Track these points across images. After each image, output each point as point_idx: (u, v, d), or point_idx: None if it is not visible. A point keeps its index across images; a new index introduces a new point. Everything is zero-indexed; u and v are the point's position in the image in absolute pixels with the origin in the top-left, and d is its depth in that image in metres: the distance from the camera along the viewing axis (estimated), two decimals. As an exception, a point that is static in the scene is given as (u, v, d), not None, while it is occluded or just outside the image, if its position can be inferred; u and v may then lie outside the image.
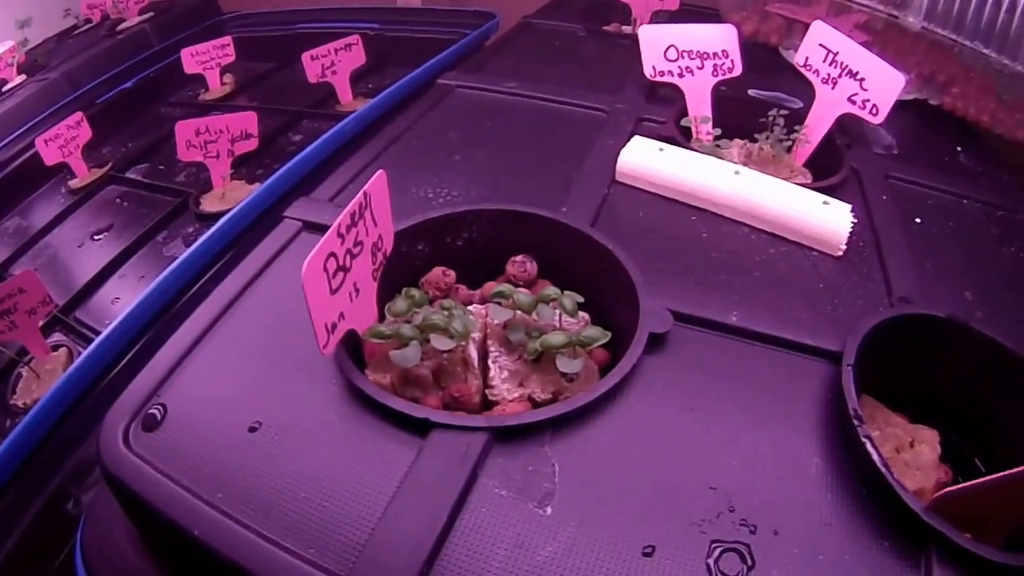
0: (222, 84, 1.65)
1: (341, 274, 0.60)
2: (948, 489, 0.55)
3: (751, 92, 1.13)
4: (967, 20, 1.06)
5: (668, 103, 1.07)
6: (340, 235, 0.59)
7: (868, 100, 0.93)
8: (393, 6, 1.82)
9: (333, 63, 1.41)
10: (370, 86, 1.57)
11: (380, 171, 0.65)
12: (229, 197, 1.18)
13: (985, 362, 0.69)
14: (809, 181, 0.98)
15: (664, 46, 1.01)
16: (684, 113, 1.02)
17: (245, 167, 1.28)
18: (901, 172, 1.01)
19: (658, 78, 1.02)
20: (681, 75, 1.02)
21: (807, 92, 1.00)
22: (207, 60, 1.60)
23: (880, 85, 0.92)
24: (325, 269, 0.57)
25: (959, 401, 0.71)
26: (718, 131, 1.00)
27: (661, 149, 0.88)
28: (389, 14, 1.74)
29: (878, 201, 0.93)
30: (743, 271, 0.78)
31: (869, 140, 1.06)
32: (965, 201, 1.00)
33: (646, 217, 0.85)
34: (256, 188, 1.11)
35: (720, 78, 1.02)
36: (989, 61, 1.07)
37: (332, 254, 0.58)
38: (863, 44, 1.08)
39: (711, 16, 1.39)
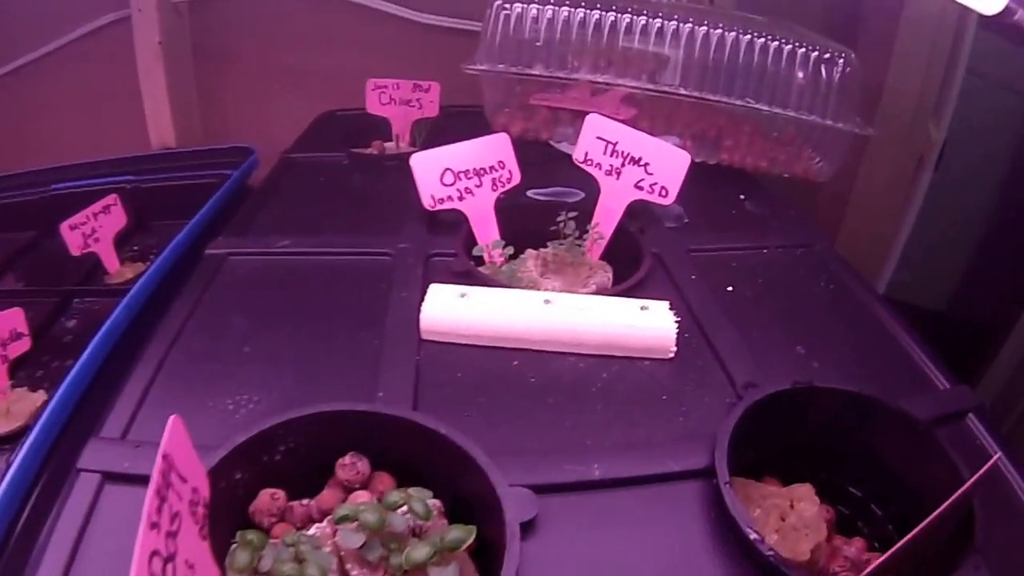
0: None
1: (170, 566, 0.47)
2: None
3: (530, 193, 1.08)
4: (720, 78, 1.07)
5: (453, 228, 0.99)
6: (153, 525, 0.47)
7: (656, 183, 0.91)
8: (147, 153, 1.68)
9: (94, 230, 1.26)
10: (136, 248, 1.43)
11: (173, 418, 0.53)
12: (15, 412, 0.99)
13: (837, 412, 0.69)
14: (610, 275, 0.95)
15: (439, 172, 0.95)
16: (471, 237, 0.96)
17: (23, 369, 1.08)
18: (699, 242, 0.99)
19: (438, 206, 0.95)
20: (461, 197, 0.95)
21: (585, 179, 0.97)
22: (-42, 241, 1.40)
23: (665, 166, 0.90)
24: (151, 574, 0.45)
25: (825, 451, 0.70)
26: (510, 250, 0.94)
27: (462, 295, 0.81)
28: (144, 163, 1.60)
29: (688, 282, 0.91)
30: (585, 409, 0.72)
31: (658, 216, 1.04)
32: (765, 251, 1.01)
33: (468, 376, 0.76)
34: (40, 396, 0.97)
35: (500, 191, 0.97)
36: (750, 109, 1.09)
37: (154, 553, 0.46)
38: (632, 118, 1.09)
39: (474, 115, 1.36)
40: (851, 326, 0.88)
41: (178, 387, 0.70)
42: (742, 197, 1.13)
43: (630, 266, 0.94)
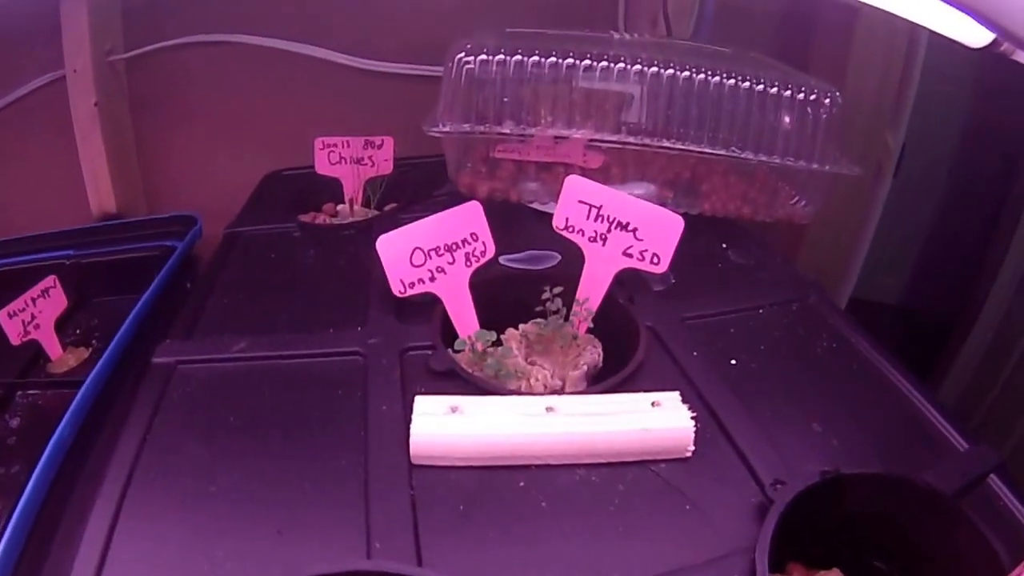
0: None
1: None
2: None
3: (503, 260, 0.99)
4: (705, 124, 0.99)
5: (425, 311, 0.89)
6: None
7: (646, 250, 0.82)
8: (87, 226, 1.56)
9: (33, 316, 1.15)
10: (78, 331, 1.32)
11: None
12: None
13: (866, 496, 0.64)
14: (600, 351, 0.86)
15: (408, 253, 0.84)
16: (446, 321, 0.86)
17: (-36, 476, 0.99)
18: (692, 308, 0.92)
19: (409, 292, 0.85)
20: (433, 278, 0.85)
21: (560, 239, 0.88)
22: None
23: (656, 231, 0.82)
24: None
25: (848, 531, 0.65)
26: (491, 335, 0.85)
27: (453, 408, 0.71)
28: (84, 236, 1.49)
29: (690, 360, 0.82)
30: (605, 533, 0.63)
31: (644, 278, 0.95)
32: (761, 311, 0.94)
33: (472, 507, 0.65)
34: None
35: (475, 266, 0.87)
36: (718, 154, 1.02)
37: None
38: (602, 166, 1.01)
39: (429, 167, 1.27)
40: (861, 390, 0.82)
41: (142, 542, 0.62)
42: (724, 246, 1.06)
43: (621, 339, 0.86)
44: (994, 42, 0.60)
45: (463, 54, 1.02)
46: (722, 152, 0.99)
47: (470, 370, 0.82)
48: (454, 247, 0.86)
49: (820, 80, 1.05)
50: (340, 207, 1.29)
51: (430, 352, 0.84)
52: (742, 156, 0.99)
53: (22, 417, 1.11)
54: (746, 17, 1.52)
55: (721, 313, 0.92)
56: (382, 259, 0.85)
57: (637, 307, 0.90)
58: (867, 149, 1.48)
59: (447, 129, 1.02)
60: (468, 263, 0.87)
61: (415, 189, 1.28)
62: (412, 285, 0.85)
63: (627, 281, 0.90)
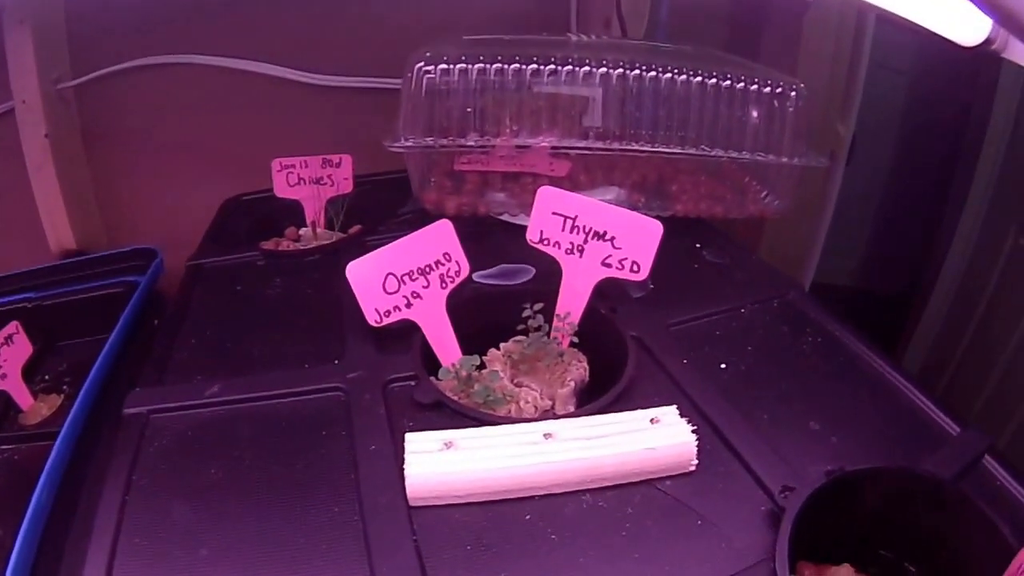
0: None
1: None
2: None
3: (476, 278, 0.95)
4: (672, 123, 0.97)
5: (403, 339, 0.85)
6: None
7: (625, 259, 0.80)
8: (45, 265, 1.48)
9: None
10: (47, 377, 1.25)
11: None
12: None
13: (872, 491, 0.64)
14: (585, 365, 0.83)
15: (380, 279, 0.80)
16: (425, 348, 0.82)
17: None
18: (674, 314, 0.89)
19: (385, 320, 0.80)
20: (409, 304, 0.81)
21: (532, 252, 0.86)
22: None
23: (635, 239, 0.79)
24: None
25: (855, 525, 0.65)
26: (475, 359, 0.81)
27: (446, 444, 0.67)
28: (43, 276, 1.42)
29: (680, 368, 0.80)
30: (622, 559, 0.60)
31: (621, 285, 0.92)
32: (743, 311, 0.93)
33: (479, 548, 0.60)
34: None
35: (451, 287, 0.83)
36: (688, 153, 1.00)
37: None
38: (569, 173, 0.98)
39: (390, 183, 1.23)
40: (850, 384, 0.81)
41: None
42: (698, 246, 1.03)
43: (605, 351, 0.84)
44: (986, 40, 0.59)
45: (422, 63, 0.98)
46: (692, 151, 0.97)
47: (456, 397, 0.78)
48: (428, 269, 0.82)
49: (782, 72, 1.04)
50: (302, 231, 1.24)
51: (413, 383, 0.80)
52: (712, 154, 0.97)
53: None
54: (695, 14, 1.51)
55: (704, 316, 0.90)
56: (354, 288, 0.80)
57: (620, 316, 0.87)
58: (820, 139, 1.47)
59: (409, 144, 0.98)
60: (443, 285, 0.83)
61: (378, 208, 1.24)
62: (388, 313, 0.81)
63: (605, 289, 0.87)
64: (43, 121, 1.49)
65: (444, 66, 0.98)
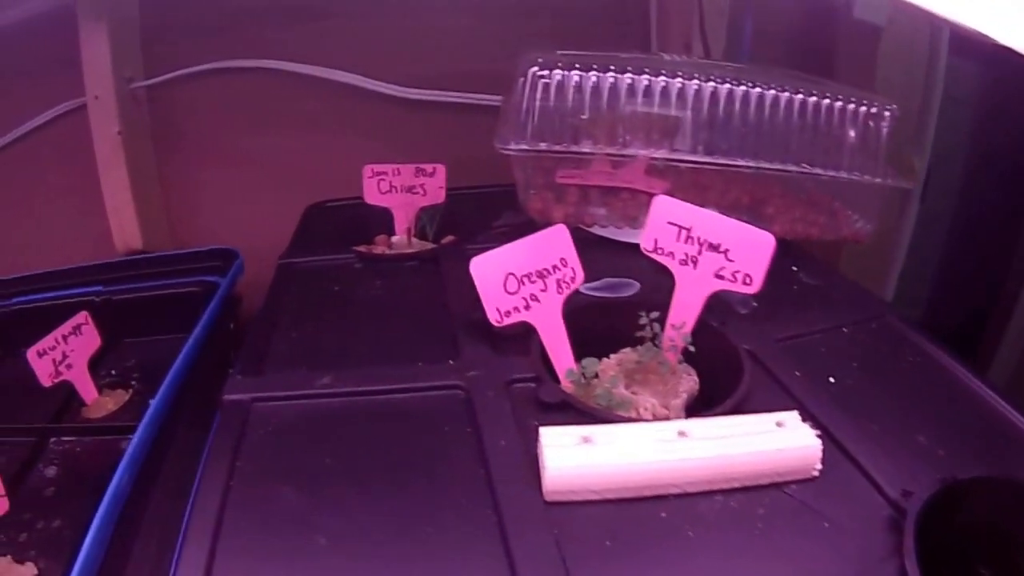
0: None
1: None
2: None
3: (582, 290, 0.98)
4: (775, 141, 1.00)
5: (520, 344, 0.88)
6: None
7: (738, 271, 0.81)
8: (117, 260, 1.52)
9: (65, 355, 1.09)
10: (113, 372, 1.26)
11: None
12: (1, 591, 0.85)
13: (982, 501, 0.66)
14: (695, 378, 0.86)
15: (502, 278, 0.83)
16: (542, 351, 0.85)
17: (3, 532, 0.93)
18: (782, 329, 0.92)
19: (506, 320, 0.83)
20: (528, 306, 0.84)
21: (634, 266, 0.90)
22: (-84, 362, 1.22)
23: (748, 251, 0.81)
24: None
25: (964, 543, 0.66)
26: (596, 363, 0.84)
27: (584, 439, 0.69)
28: (113, 271, 1.44)
29: (793, 380, 0.83)
30: (756, 559, 0.62)
31: (725, 301, 0.95)
32: (844, 330, 0.96)
33: (619, 545, 0.63)
34: (30, 569, 0.84)
35: (566, 293, 0.86)
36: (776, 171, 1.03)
37: None
38: (666, 192, 1.01)
39: (480, 197, 1.26)
40: (950, 401, 0.84)
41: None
42: (795, 268, 1.07)
43: (714, 364, 0.86)
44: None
45: (536, 68, 1.01)
46: (794, 169, 1.00)
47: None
48: (545, 273, 0.85)
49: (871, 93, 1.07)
50: (395, 238, 1.26)
51: (534, 384, 0.82)
52: (812, 172, 1.00)
53: (59, 466, 1.06)
54: (770, 41, 1.54)
55: (809, 333, 0.93)
56: (477, 283, 0.83)
57: (729, 331, 0.90)
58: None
59: (523, 147, 1.00)
60: (560, 290, 0.86)
61: (469, 221, 1.27)
62: (508, 314, 0.84)
63: (711, 305, 0.90)
64: (116, 119, 1.52)
65: (560, 72, 1.01)
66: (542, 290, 0.85)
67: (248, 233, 1.46)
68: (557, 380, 0.84)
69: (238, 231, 1.52)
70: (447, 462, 0.73)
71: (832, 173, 1.01)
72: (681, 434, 0.70)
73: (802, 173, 1.01)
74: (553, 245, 0.86)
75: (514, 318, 0.84)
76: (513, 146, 1.01)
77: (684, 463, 0.68)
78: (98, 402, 1.15)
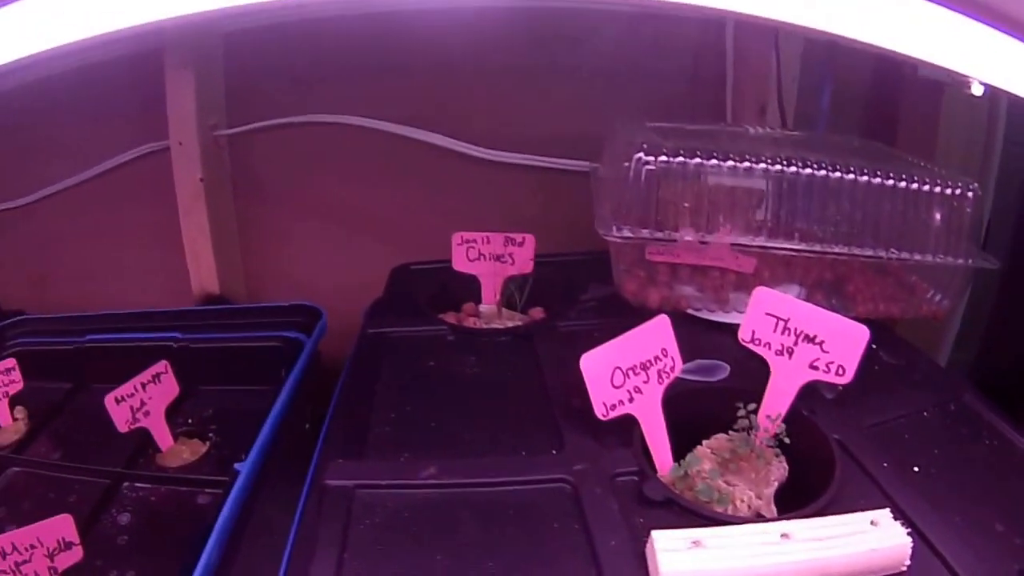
0: (14, 419, 1.31)
1: None
2: None
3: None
4: (866, 225, 1.06)
5: (620, 436, 0.91)
6: None
7: (832, 362, 0.87)
8: (195, 308, 1.60)
9: (143, 402, 1.13)
10: (190, 421, 1.30)
11: None
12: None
13: None
14: (784, 464, 0.91)
15: (609, 373, 0.88)
16: (643, 444, 0.90)
17: (74, 579, 0.98)
18: (868, 416, 0.97)
19: (611, 414, 0.89)
20: (631, 399, 0.89)
21: (719, 342, 0.96)
22: (-9, 389, 1.28)
23: (842, 343, 0.86)
24: None
25: None
26: (700, 460, 0.89)
27: (694, 542, 0.75)
28: (191, 318, 1.49)
29: (881, 471, 0.87)
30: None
31: (817, 389, 0.99)
32: (925, 414, 1.00)
33: None
34: None
35: (666, 383, 0.92)
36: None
37: None
38: (754, 272, 1.06)
39: (563, 266, 1.30)
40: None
41: None
42: (875, 347, 1.11)
43: (804, 452, 0.91)
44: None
45: (641, 154, 1.07)
46: (883, 254, 1.05)
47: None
48: (648, 364, 0.91)
49: (953, 171, 1.11)
50: (484, 307, 1.31)
51: (637, 477, 0.86)
52: (899, 256, 1.05)
53: (132, 513, 1.09)
54: (835, 102, 1.57)
55: (893, 419, 0.98)
56: (587, 380, 0.88)
57: (818, 417, 0.95)
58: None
59: (627, 235, 1.06)
60: (660, 380, 0.91)
61: (553, 291, 1.31)
62: (613, 407, 0.89)
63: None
64: (199, 165, 1.57)
65: (664, 158, 1.07)
66: (644, 382, 0.90)
67: (324, 287, 1.51)
68: (654, 467, 0.90)
69: (314, 284, 1.58)
70: (561, 561, 0.76)
71: (919, 256, 1.06)
72: (784, 536, 0.76)
73: (891, 258, 1.05)
74: (656, 336, 0.92)
75: (619, 411, 0.89)
76: (618, 233, 1.07)
77: (788, 566, 0.74)
78: (173, 450, 1.19)
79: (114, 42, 1.49)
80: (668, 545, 0.75)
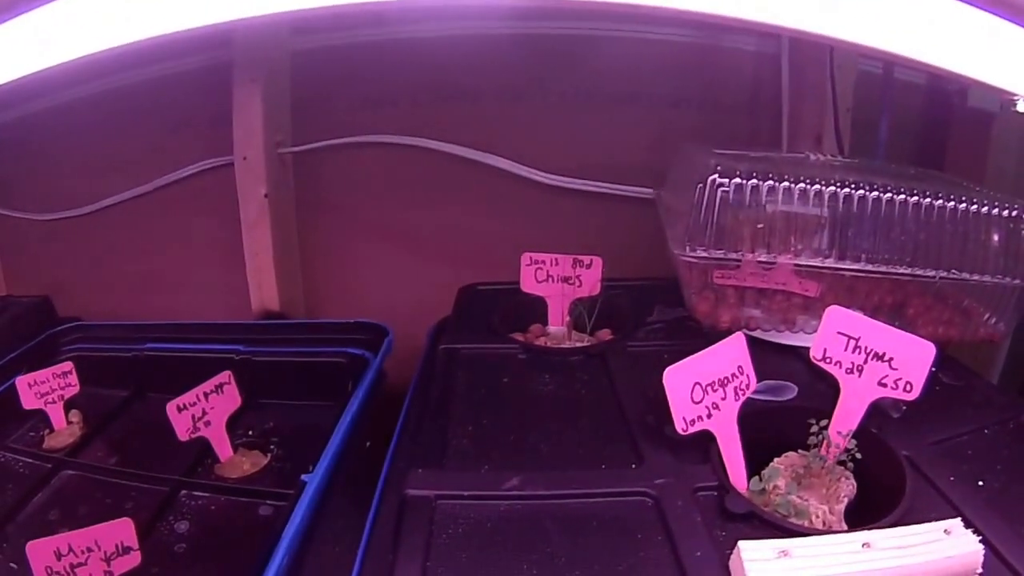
0: (68, 423, 1.37)
1: None
2: None
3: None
4: (929, 246, 1.11)
5: (696, 452, 0.96)
6: None
7: (900, 379, 0.91)
8: (258, 322, 1.64)
9: (204, 412, 1.17)
10: (250, 432, 1.34)
11: None
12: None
13: None
14: (852, 480, 0.96)
15: (690, 388, 0.92)
16: (719, 459, 0.95)
17: (128, 586, 1.02)
18: (933, 434, 1.02)
19: (690, 429, 0.92)
20: (709, 415, 0.93)
21: (784, 364, 1.00)
22: (48, 392, 1.34)
23: (910, 360, 0.91)
24: None
25: None
26: (778, 474, 0.94)
27: (782, 552, 0.81)
28: (253, 331, 1.53)
29: (948, 485, 0.93)
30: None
31: (882, 407, 1.03)
32: (986, 431, 1.05)
33: None
34: None
35: (742, 399, 0.96)
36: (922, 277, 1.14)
37: None
38: (819, 295, 1.12)
39: (625, 289, 1.34)
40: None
41: None
42: (933, 369, 1.17)
43: (873, 468, 0.95)
44: None
45: (715, 176, 1.13)
46: (944, 276, 1.11)
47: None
48: (725, 381, 0.96)
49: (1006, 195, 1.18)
50: (552, 329, 1.35)
51: (716, 492, 0.91)
52: (961, 278, 1.11)
53: (191, 522, 1.12)
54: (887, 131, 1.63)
55: (956, 436, 1.03)
56: (669, 394, 0.92)
57: (889, 437, 1.00)
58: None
59: (703, 255, 1.13)
60: (736, 396, 0.97)
61: (620, 314, 1.36)
62: (692, 423, 0.94)
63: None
64: (264, 181, 1.62)
65: (738, 180, 1.13)
66: (722, 398, 0.96)
67: (383, 306, 1.55)
68: (730, 482, 0.95)
69: (373, 303, 1.63)
70: (646, 572, 0.79)
71: (978, 278, 1.12)
72: (866, 545, 0.81)
73: (952, 278, 1.12)
74: (732, 354, 0.98)
75: (697, 427, 0.94)
76: (695, 253, 1.14)
77: (872, 573, 0.79)
78: (233, 461, 1.23)
79: (183, 53, 1.55)
80: (756, 555, 0.80)
